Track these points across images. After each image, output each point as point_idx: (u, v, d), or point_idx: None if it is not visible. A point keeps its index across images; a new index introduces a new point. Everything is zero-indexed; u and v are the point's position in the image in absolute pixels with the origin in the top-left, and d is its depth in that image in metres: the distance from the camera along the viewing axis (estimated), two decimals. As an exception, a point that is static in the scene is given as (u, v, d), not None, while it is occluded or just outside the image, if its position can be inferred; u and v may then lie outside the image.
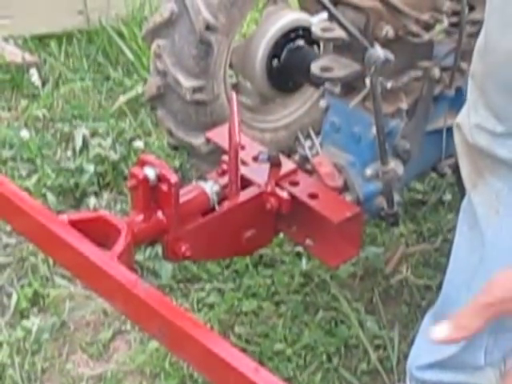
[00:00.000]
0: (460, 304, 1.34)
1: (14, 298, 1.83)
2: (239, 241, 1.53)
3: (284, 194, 1.51)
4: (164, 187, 1.39)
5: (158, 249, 1.74)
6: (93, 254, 1.22)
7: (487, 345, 1.45)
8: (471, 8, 1.58)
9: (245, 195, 1.51)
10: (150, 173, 1.38)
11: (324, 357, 1.72)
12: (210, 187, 1.49)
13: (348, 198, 1.60)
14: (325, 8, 1.56)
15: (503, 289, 1.04)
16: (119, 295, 1.19)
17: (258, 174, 1.54)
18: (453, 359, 1.47)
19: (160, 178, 1.39)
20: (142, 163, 1.40)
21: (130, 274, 1.19)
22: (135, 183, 1.39)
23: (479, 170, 1.36)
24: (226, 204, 1.50)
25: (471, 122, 1.33)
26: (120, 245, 1.30)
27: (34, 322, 1.76)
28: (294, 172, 1.57)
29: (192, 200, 1.48)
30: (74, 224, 1.30)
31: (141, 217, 1.41)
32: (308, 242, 1.55)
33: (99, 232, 1.33)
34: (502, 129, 1.28)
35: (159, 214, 1.42)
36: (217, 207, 1.49)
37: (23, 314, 1.80)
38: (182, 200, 1.43)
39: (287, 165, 1.57)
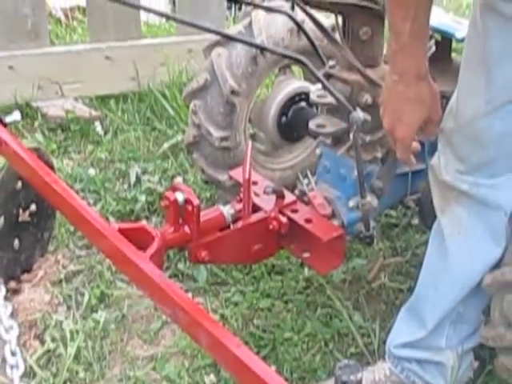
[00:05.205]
0: (428, 300, 1.44)
1: (86, 296, 1.84)
2: (248, 252, 1.56)
3: (283, 219, 1.54)
4: (189, 207, 1.42)
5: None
6: (131, 253, 1.27)
7: (448, 333, 1.48)
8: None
9: (253, 218, 1.54)
10: (179, 196, 1.42)
11: (322, 343, 1.74)
12: (227, 210, 1.52)
13: (335, 222, 1.62)
14: (319, 81, 1.60)
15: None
16: (147, 285, 1.24)
17: (266, 202, 1.58)
18: (421, 342, 1.49)
19: (186, 201, 1.42)
20: (174, 189, 1.44)
21: (157, 270, 1.23)
22: (167, 203, 1.43)
23: (447, 200, 1.39)
24: (239, 223, 1.52)
25: (441, 163, 1.37)
26: (152, 248, 1.35)
27: (101, 315, 1.77)
28: (294, 202, 1.59)
29: (212, 219, 1.51)
30: (121, 231, 1.35)
31: (171, 229, 1.44)
32: (304, 254, 1.56)
33: (140, 237, 1.37)
34: (463, 168, 1.34)
35: (185, 227, 1.45)
36: (231, 225, 1.52)
37: (93, 309, 1.81)
38: (203, 218, 1.46)
39: (289, 197, 1.60)
